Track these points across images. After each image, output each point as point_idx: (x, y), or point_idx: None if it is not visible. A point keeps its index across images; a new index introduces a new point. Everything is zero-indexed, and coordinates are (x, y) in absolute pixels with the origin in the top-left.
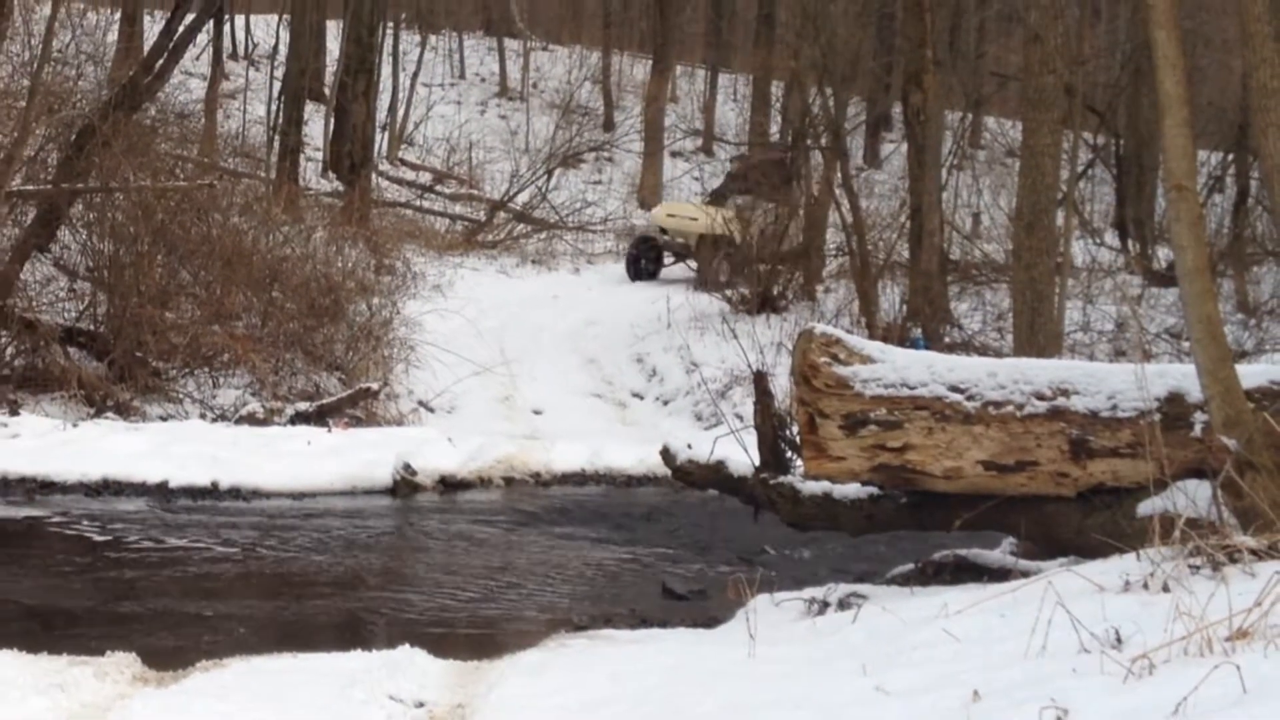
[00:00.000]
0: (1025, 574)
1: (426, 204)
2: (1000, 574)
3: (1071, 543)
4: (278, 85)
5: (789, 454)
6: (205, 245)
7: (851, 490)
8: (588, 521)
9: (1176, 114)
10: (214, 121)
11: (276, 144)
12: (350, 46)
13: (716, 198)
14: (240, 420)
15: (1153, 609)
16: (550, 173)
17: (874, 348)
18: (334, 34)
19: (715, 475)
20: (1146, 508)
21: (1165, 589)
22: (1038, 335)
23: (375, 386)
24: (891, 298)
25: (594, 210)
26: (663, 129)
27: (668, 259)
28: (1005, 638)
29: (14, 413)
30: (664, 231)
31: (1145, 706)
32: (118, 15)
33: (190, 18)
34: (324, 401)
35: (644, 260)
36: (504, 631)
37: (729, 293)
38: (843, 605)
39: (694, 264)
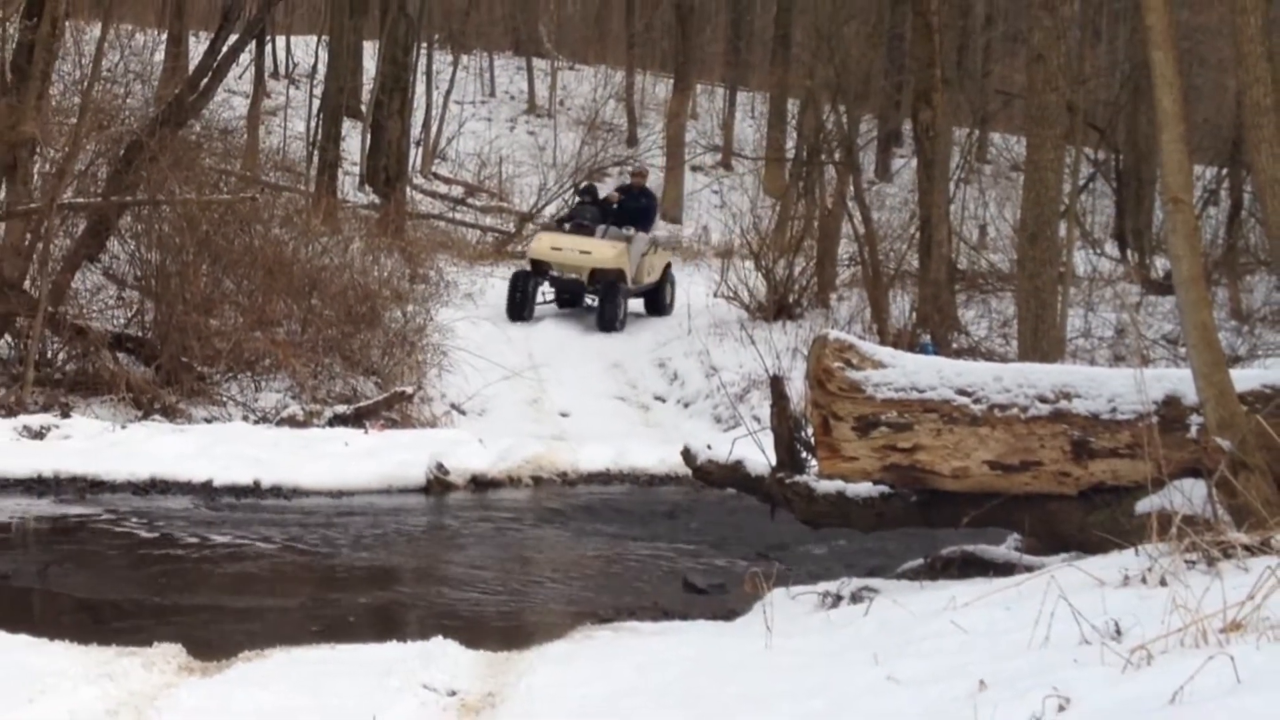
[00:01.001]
0: (1029, 569)
1: (458, 216)
2: (1005, 569)
3: (1073, 539)
4: (317, 103)
5: (804, 454)
6: (248, 255)
7: (863, 489)
8: (612, 519)
9: (1173, 130)
10: (256, 137)
11: (315, 159)
12: (386, 66)
13: (580, 227)
14: (281, 422)
15: (1150, 602)
16: (576, 186)
17: (885, 353)
18: (370, 54)
19: (734, 475)
20: (1145, 506)
21: (1163, 583)
22: (1041, 341)
23: (409, 390)
24: (902, 305)
25: None
26: (683, 144)
27: (545, 293)
28: (1010, 630)
29: (65, 415)
30: (544, 266)
31: (1144, 695)
32: (164, 36)
33: (233, 38)
34: (361, 404)
35: (520, 296)
36: (532, 623)
37: (747, 300)
38: (855, 599)
39: (591, 300)
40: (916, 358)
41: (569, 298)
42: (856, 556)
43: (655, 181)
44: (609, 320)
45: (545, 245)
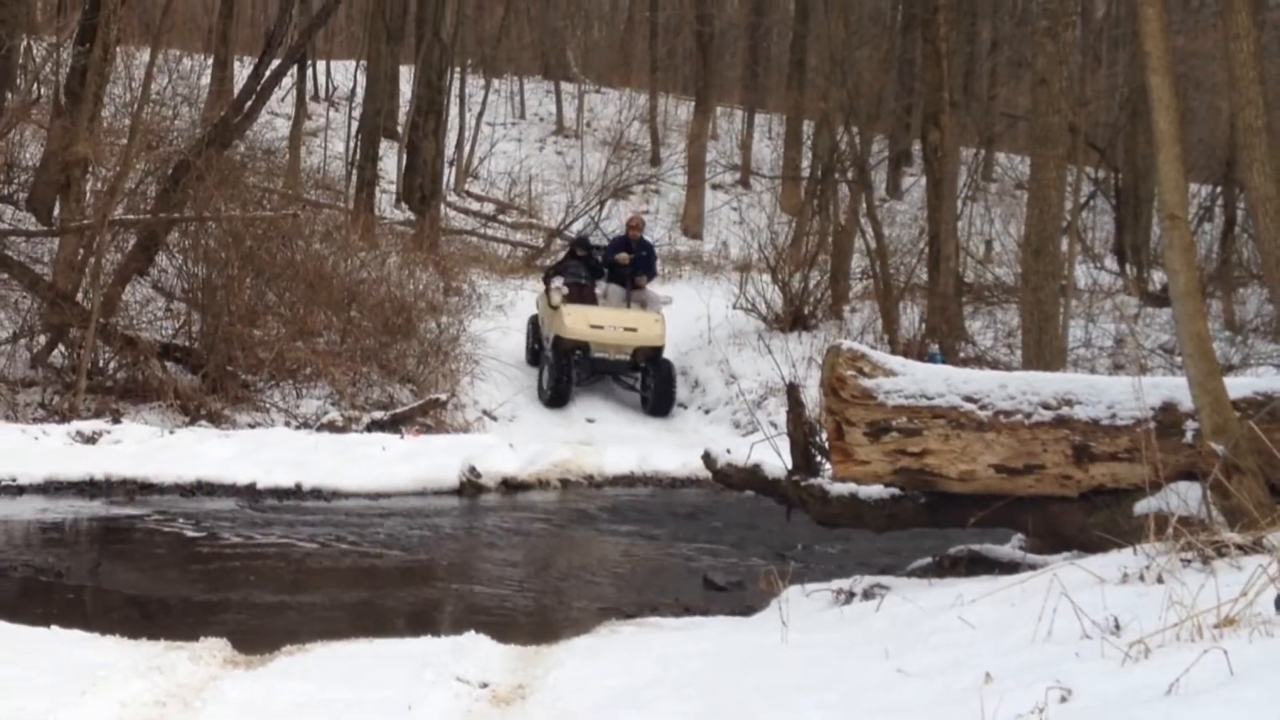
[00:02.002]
0: (1033, 567)
1: (490, 232)
2: (1010, 567)
3: (1075, 539)
4: (355, 124)
5: (818, 458)
6: (290, 269)
7: (875, 491)
8: (636, 519)
9: (1170, 150)
10: (297, 157)
11: (354, 177)
12: (421, 89)
13: (578, 288)
14: (321, 428)
15: (1148, 599)
16: (602, 203)
17: (895, 362)
18: (406, 78)
19: (752, 478)
20: (1143, 507)
21: (1159, 581)
22: (1044, 351)
23: (443, 397)
24: (911, 317)
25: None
26: (704, 164)
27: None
28: (1015, 625)
29: (117, 421)
30: (585, 348)
31: (1142, 687)
32: (210, 61)
33: (276, 63)
34: (397, 411)
35: (565, 380)
36: (560, 619)
37: (764, 312)
38: (867, 595)
39: (632, 380)
40: (925, 366)
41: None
42: (868, 555)
43: (676, 199)
44: (667, 403)
45: (582, 324)
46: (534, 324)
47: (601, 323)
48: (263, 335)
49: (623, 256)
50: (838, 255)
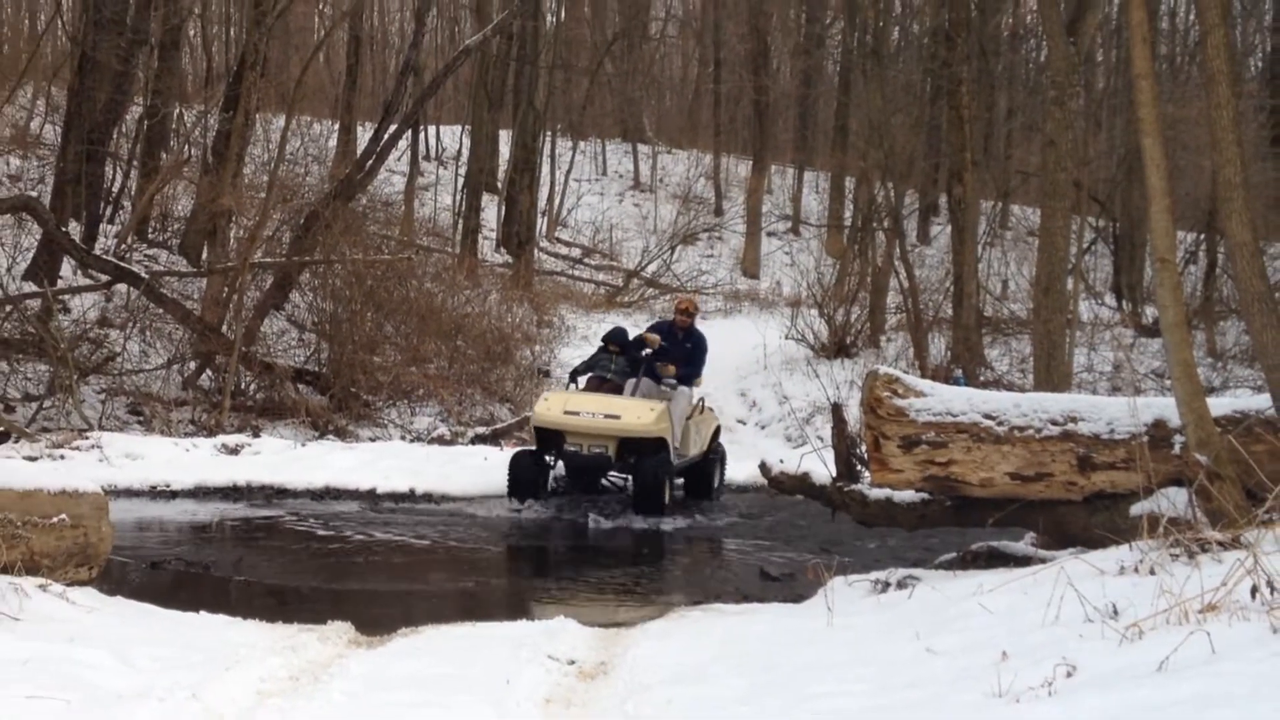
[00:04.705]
0: (1043, 561)
1: (576, 273)
2: (1023, 561)
3: (1079, 537)
4: (461, 180)
5: (858, 467)
6: (404, 305)
7: (907, 495)
8: (701, 519)
9: (1160, 203)
10: (411, 208)
11: (460, 226)
12: (517, 150)
13: (603, 383)
14: (432, 441)
15: (1142, 588)
16: (673, 248)
17: (925, 384)
18: (505, 140)
19: (801, 484)
20: (1137, 509)
21: (1152, 573)
22: (1052, 375)
23: None
24: (938, 345)
25: (707, 277)
26: (760, 214)
27: (557, 477)
28: (1027, 611)
29: (256, 435)
30: (556, 436)
31: (1137, 664)
32: (336, 125)
33: (393, 128)
34: (497, 426)
35: (526, 477)
36: (637, 605)
37: (812, 341)
38: (900, 585)
39: (620, 480)
40: (950, 388)
41: (589, 479)
42: (902, 551)
43: (736, 245)
44: (650, 498)
45: (555, 409)
46: None
47: (578, 408)
48: (381, 362)
49: (650, 337)
50: (875, 293)
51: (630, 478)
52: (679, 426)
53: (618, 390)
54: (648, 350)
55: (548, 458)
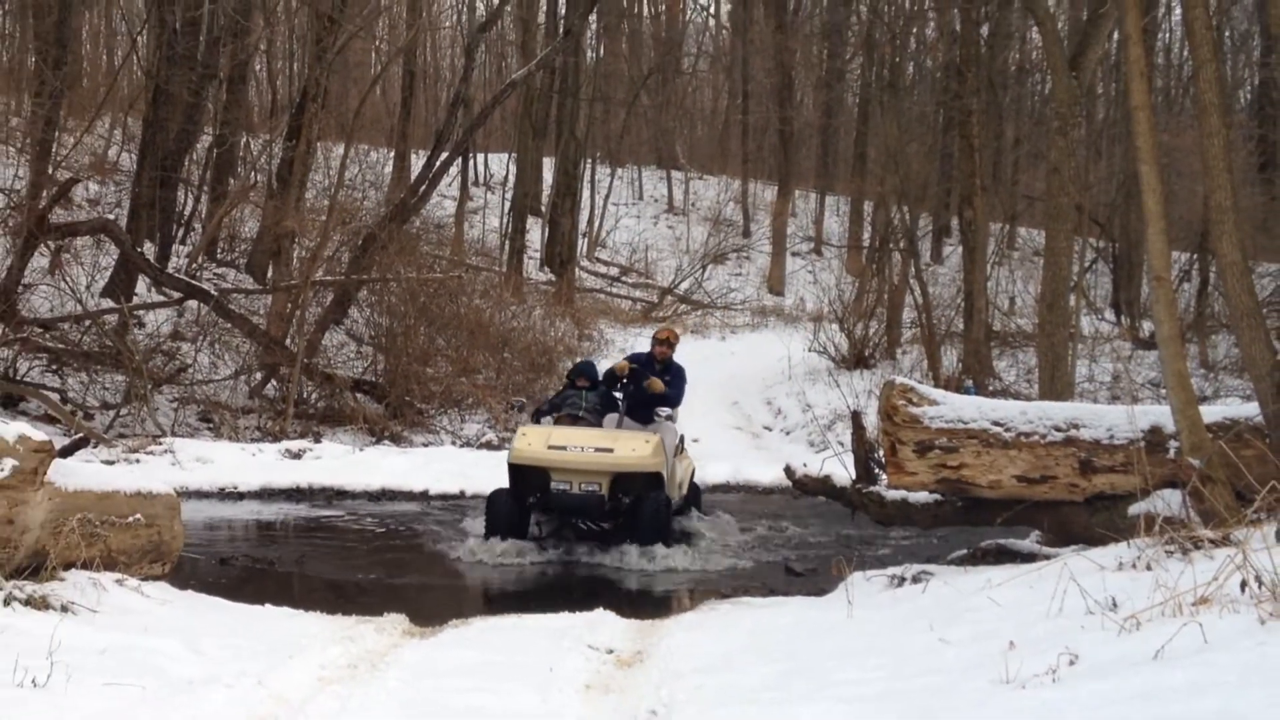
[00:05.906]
0: (1047, 557)
1: (614, 290)
2: (1029, 557)
3: (1081, 535)
4: (507, 204)
5: (876, 470)
6: (455, 320)
7: (922, 497)
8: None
9: (1156, 225)
10: (461, 230)
11: (506, 247)
12: (559, 176)
13: (574, 420)
14: (480, 446)
15: (1139, 583)
16: (704, 267)
17: (938, 394)
18: (548, 167)
19: (823, 486)
20: (1135, 509)
21: (1148, 568)
22: (1056, 384)
23: None
24: (950, 358)
25: (736, 295)
26: (785, 235)
27: (539, 519)
28: (1033, 603)
29: (318, 441)
30: (537, 475)
31: (1134, 653)
32: (392, 153)
33: (444, 156)
34: None
35: (503, 515)
36: (670, 598)
37: (833, 353)
38: (915, 580)
39: (603, 525)
40: (961, 397)
41: (576, 522)
42: (917, 548)
43: (763, 264)
44: (651, 532)
45: (537, 444)
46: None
47: (564, 443)
48: (434, 373)
49: (621, 364)
50: (892, 308)
51: (607, 525)
52: (671, 462)
53: (591, 426)
54: (624, 380)
55: (530, 500)
